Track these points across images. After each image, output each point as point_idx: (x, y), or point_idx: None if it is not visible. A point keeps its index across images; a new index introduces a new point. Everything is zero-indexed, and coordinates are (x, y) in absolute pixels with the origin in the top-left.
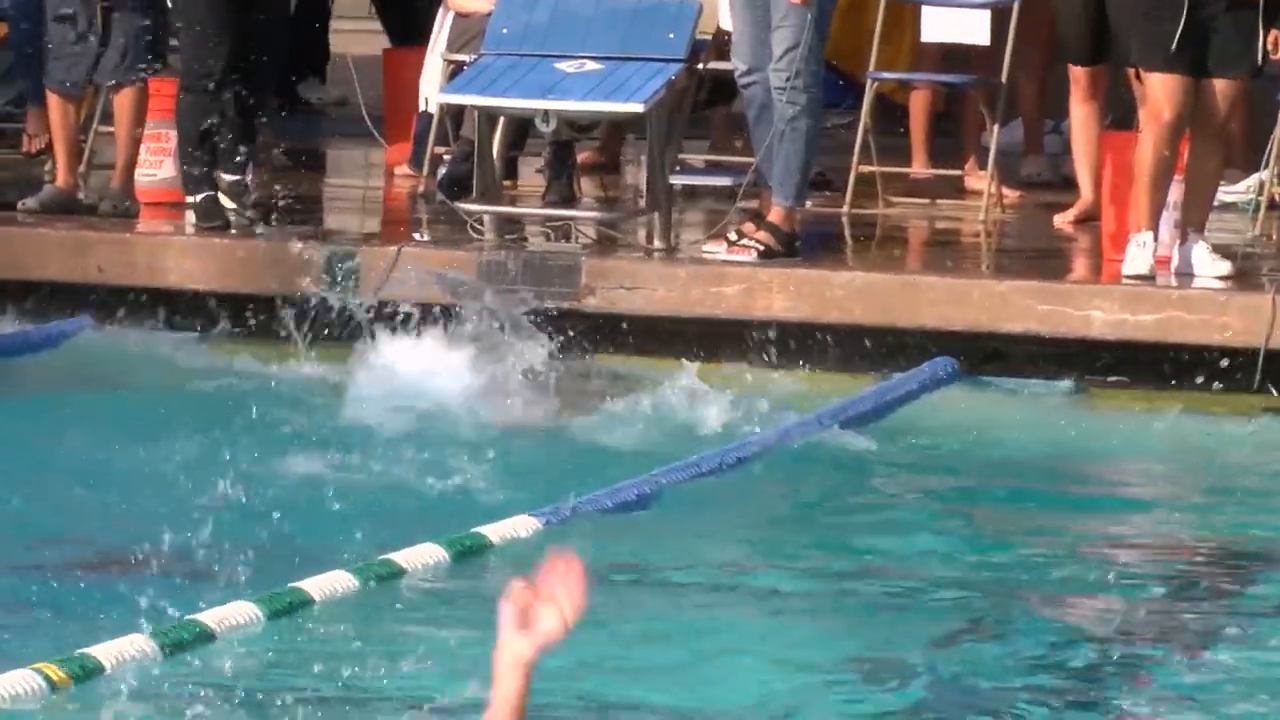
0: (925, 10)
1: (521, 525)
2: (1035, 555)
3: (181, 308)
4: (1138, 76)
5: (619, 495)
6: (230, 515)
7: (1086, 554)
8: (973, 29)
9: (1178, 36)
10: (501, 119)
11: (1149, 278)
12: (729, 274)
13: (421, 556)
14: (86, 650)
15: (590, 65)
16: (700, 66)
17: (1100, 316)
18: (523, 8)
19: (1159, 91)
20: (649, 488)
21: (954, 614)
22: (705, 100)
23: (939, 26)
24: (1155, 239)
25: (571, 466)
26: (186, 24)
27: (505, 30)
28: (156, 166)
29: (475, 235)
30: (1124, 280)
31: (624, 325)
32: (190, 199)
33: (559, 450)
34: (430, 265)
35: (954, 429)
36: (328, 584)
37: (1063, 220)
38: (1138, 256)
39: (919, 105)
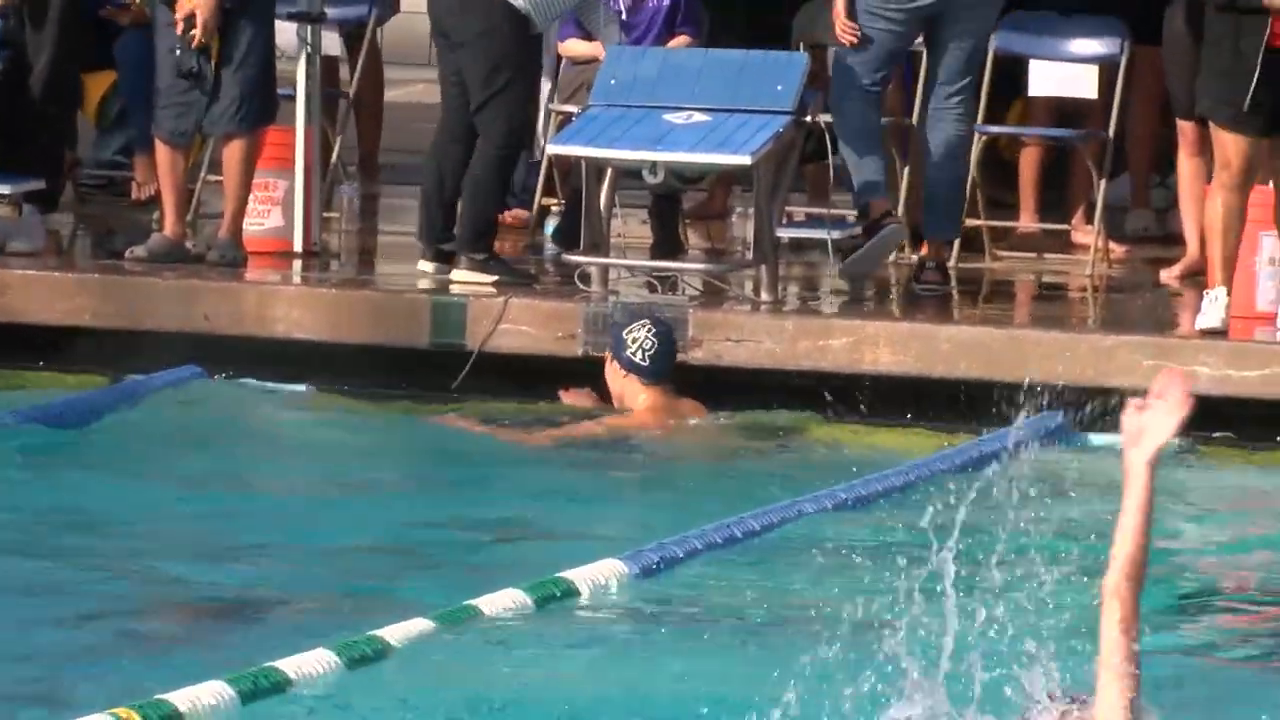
0: (1034, 64)
1: (608, 570)
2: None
3: (289, 357)
4: (1205, 124)
5: (708, 538)
6: (322, 563)
7: (1192, 614)
8: (1080, 83)
9: (1249, 97)
10: (609, 170)
11: (1221, 332)
12: (835, 327)
13: (503, 601)
14: (164, 695)
15: (698, 117)
16: (808, 119)
17: (1206, 371)
18: (631, 59)
19: (1229, 147)
20: (739, 530)
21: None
22: (810, 153)
23: (1047, 81)
24: (1229, 293)
25: (665, 513)
26: (521, 79)
27: (614, 81)
28: (265, 216)
29: (582, 286)
30: (1199, 334)
31: (730, 377)
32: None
33: (658, 496)
34: (538, 314)
35: (1054, 484)
36: (406, 631)
37: (1169, 275)
38: (1209, 311)
39: (1029, 159)
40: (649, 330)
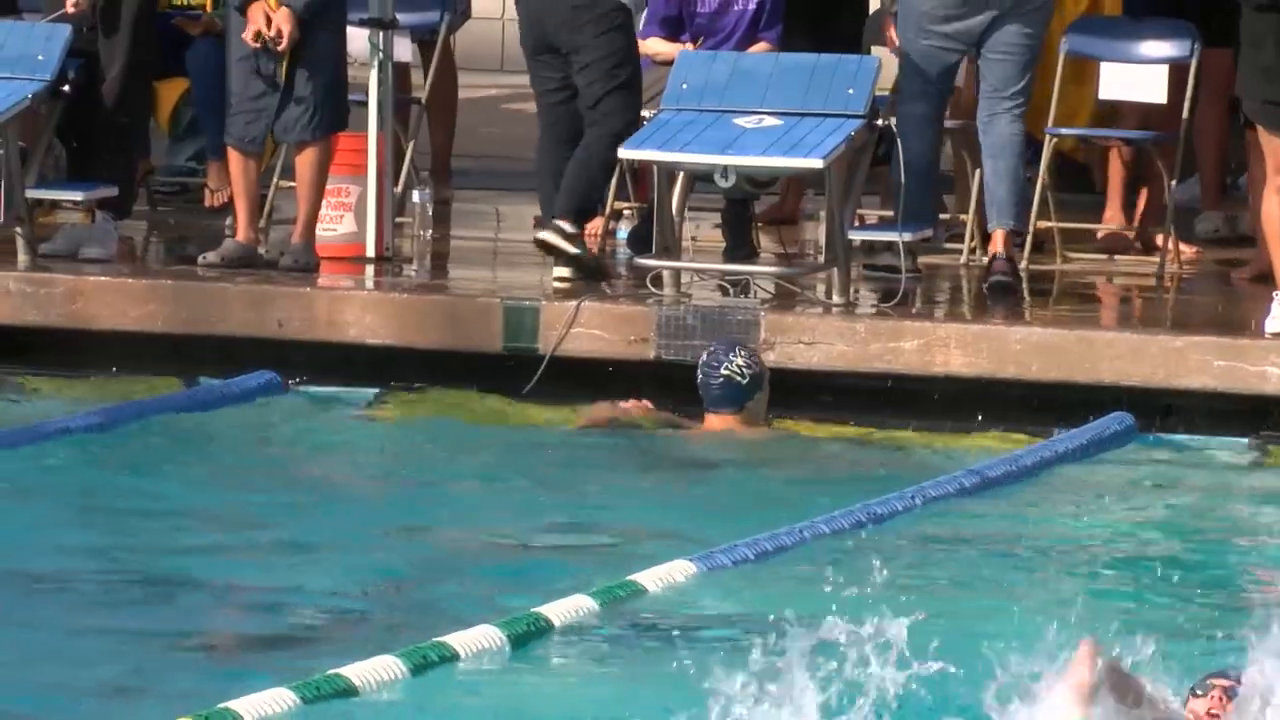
0: (1104, 67)
1: (679, 570)
2: (1207, 618)
3: (361, 362)
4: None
5: (777, 540)
6: (386, 571)
7: (1260, 613)
8: (1150, 87)
9: None
10: (681, 174)
11: None
12: (907, 329)
13: (571, 608)
14: (228, 704)
15: (769, 121)
16: (880, 123)
17: (1276, 373)
18: (703, 63)
19: (1278, 150)
20: (803, 535)
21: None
22: (882, 156)
23: (1117, 84)
24: None
25: (734, 516)
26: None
27: (685, 86)
28: (337, 222)
29: (654, 291)
30: (1270, 336)
31: (803, 381)
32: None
33: (727, 499)
34: (610, 318)
35: (1126, 486)
36: (473, 639)
37: (1240, 277)
38: (1277, 313)
39: (1116, 160)
40: (702, 360)
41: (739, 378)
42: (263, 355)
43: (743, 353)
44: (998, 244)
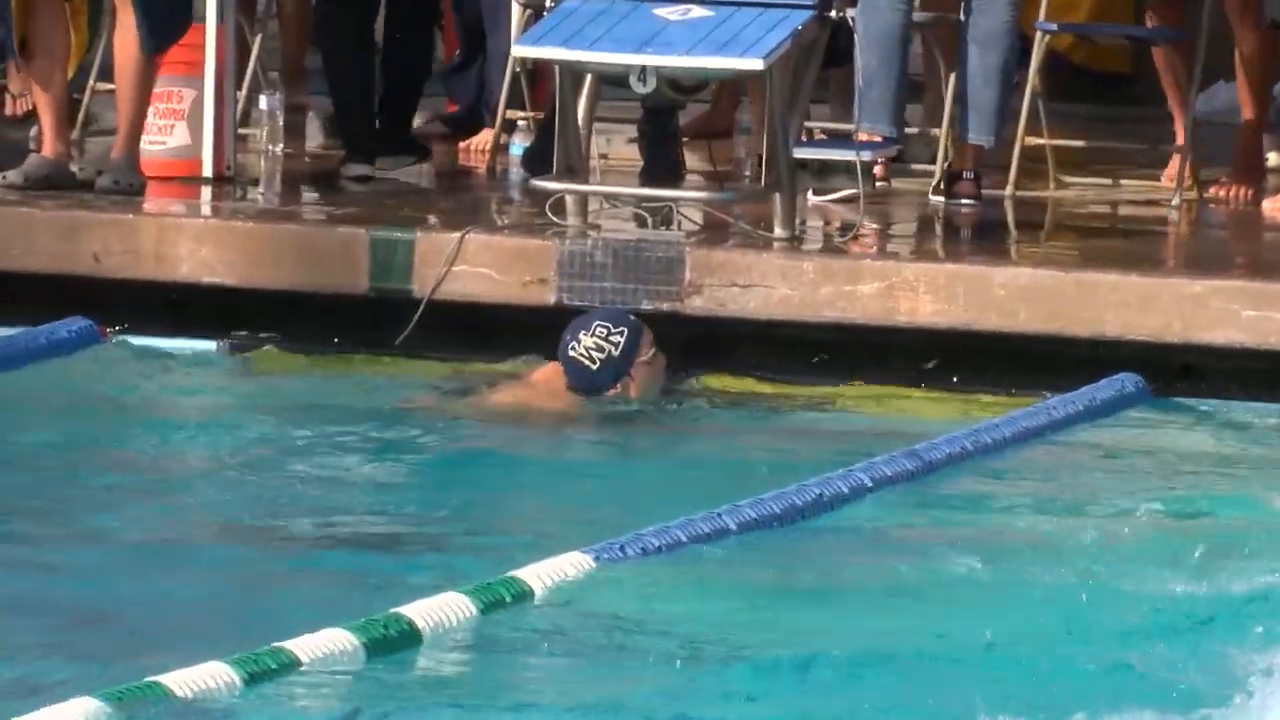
0: None
1: (572, 563)
2: (1229, 613)
3: (195, 306)
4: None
5: (690, 529)
6: (224, 566)
7: None
8: None
9: None
10: (589, 78)
11: None
12: (865, 269)
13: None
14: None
15: (698, 12)
16: (833, 14)
17: None
18: None
19: None
20: (733, 520)
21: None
22: (836, 56)
23: None
24: None
25: (648, 501)
26: None
27: None
28: (167, 133)
29: (555, 220)
30: None
31: (735, 331)
32: None
33: (638, 482)
34: (501, 254)
35: (1133, 459)
36: (321, 644)
37: (1274, 207)
38: None
39: (1164, 56)
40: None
41: (586, 362)
42: (75, 297)
43: (602, 329)
44: (967, 160)
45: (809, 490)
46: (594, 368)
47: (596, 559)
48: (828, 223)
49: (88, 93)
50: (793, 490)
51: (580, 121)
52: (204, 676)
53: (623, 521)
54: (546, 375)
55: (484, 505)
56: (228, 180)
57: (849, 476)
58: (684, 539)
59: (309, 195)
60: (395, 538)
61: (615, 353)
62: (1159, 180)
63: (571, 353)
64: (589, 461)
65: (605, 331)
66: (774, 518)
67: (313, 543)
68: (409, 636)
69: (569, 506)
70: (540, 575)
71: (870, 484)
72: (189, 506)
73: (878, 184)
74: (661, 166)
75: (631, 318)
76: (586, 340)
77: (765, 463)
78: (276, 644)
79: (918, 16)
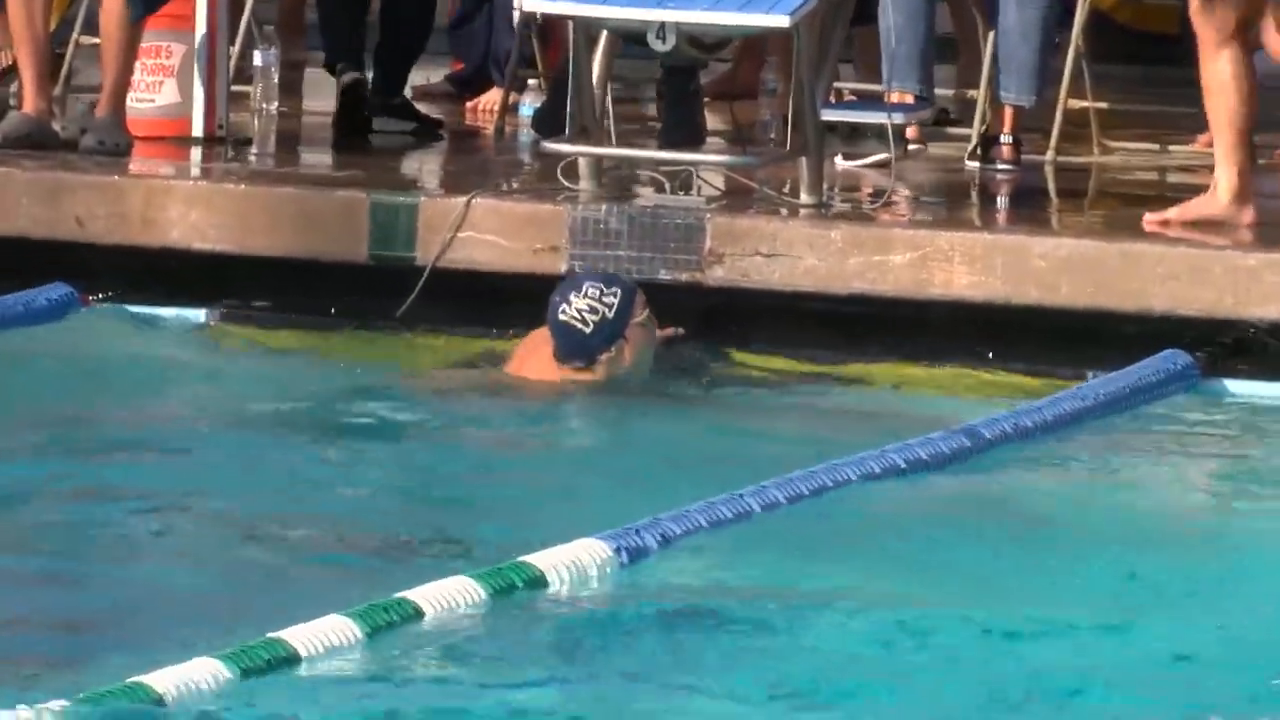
0: None
1: (588, 550)
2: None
3: (185, 273)
4: None
5: (713, 512)
6: (213, 549)
7: None
8: None
9: None
10: (604, 34)
11: None
12: (896, 239)
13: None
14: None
15: None
16: None
17: None
18: None
19: None
20: (746, 506)
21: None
22: (864, 13)
23: None
24: None
25: (663, 484)
26: None
27: None
28: (156, 90)
29: (567, 185)
30: None
31: (758, 303)
32: None
33: (655, 465)
34: (510, 220)
35: (1180, 444)
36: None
37: None
38: None
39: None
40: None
41: (579, 325)
42: (57, 263)
43: (594, 289)
44: (1005, 123)
45: (838, 470)
46: (587, 330)
47: (616, 549)
48: (857, 189)
49: (71, 46)
50: (822, 469)
51: (595, 81)
52: (196, 674)
53: (636, 506)
54: (535, 343)
55: (493, 488)
56: (219, 140)
57: (883, 456)
58: (704, 524)
59: (306, 157)
60: (386, 522)
61: (609, 314)
62: (1208, 145)
63: (562, 316)
64: (596, 443)
65: (598, 292)
66: (799, 498)
67: (306, 524)
68: (411, 617)
69: (579, 490)
70: (555, 563)
71: (904, 466)
72: (171, 488)
73: (910, 148)
74: (681, 129)
75: (622, 277)
76: (579, 302)
77: (789, 442)
78: (272, 634)
79: None
